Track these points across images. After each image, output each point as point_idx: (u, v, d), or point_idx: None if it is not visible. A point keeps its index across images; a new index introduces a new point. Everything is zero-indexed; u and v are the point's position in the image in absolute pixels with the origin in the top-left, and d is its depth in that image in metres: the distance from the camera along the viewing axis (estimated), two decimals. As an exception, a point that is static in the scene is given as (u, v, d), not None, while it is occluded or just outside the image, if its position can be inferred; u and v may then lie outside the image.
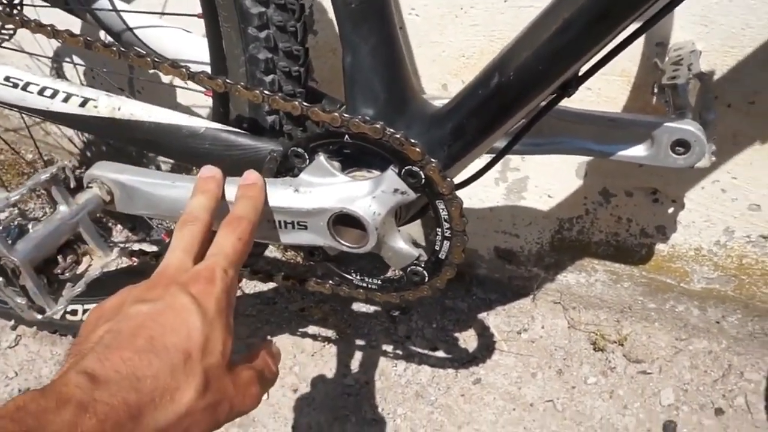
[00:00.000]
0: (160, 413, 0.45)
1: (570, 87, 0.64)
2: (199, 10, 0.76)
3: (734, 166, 0.96)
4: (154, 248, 1.29)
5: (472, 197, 1.21)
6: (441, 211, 0.68)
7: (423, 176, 0.66)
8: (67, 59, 1.30)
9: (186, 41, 0.85)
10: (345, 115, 0.64)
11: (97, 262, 0.71)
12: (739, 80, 0.88)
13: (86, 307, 1.09)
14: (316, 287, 0.81)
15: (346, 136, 0.66)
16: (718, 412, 1.15)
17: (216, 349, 0.50)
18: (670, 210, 1.06)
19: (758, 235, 1.03)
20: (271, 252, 1.44)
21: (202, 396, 0.47)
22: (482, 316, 1.34)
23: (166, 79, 1.17)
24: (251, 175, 0.65)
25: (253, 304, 1.39)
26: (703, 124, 0.86)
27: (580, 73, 0.65)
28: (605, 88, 0.96)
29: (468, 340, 1.31)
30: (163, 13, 0.92)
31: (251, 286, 1.41)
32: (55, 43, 1.33)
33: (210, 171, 0.64)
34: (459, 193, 1.22)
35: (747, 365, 1.18)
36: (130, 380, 0.44)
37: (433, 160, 0.65)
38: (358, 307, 1.36)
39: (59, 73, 1.33)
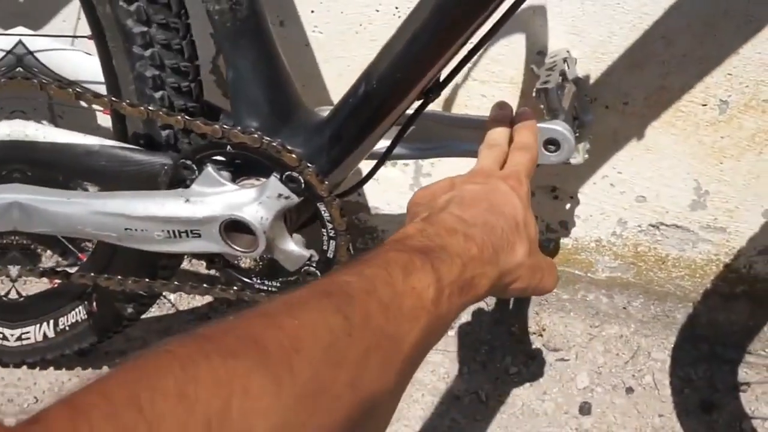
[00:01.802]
0: (506, 257, 0.57)
1: (432, 93, 0.70)
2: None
3: (618, 162, 1.03)
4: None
5: (391, 203, 1.26)
6: (323, 212, 0.74)
7: (302, 181, 0.71)
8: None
9: (86, 63, 0.88)
10: (225, 126, 0.70)
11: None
12: (611, 83, 0.95)
13: (12, 332, 1.10)
14: (221, 294, 0.85)
15: (228, 147, 0.71)
16: (629, 390, 1.21)
17: (531, 228, 0.62)
18: (568, 206, 1.13)
19: (647, 224, 1.10)
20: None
21: (528, 256, 0.59)
22: (410, 316, 1.39)
23: (84, 103, 1.21)
24: (526, 113, 0.77)
25: (188, 320, 1.42)
26: (581, 124, 0.93)
27: (441, 79, 0.71)
28: (498, 95, 1.02)
29: (396, 341, 1.36)
30: (55, 36, 0.95)
31: (185, 303, 1.44)
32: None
33: (503, 107, 0.79)
34: (375, 198, 1.28)
35: (654, 346, 1.26)
36: (486, 227, 0.56)
37: (309, 165, 0.70)
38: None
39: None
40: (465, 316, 1.38)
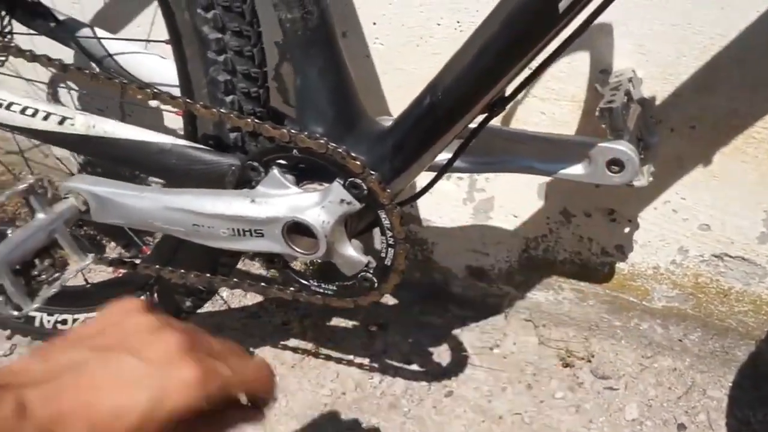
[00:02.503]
0: None
1: (496, 107, 0.71)
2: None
3: (682, 187, 1.01)
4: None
5: (443, 216, 1.27)
6: (384, 220, 0.75)
7: (365, 187, 0.72)
8: (62, 85, 1.38)
9: (161, 66, 0.92)
10: (292, 131, 0.72)
11: (73, 266, 0.78)
12: (679, 105, 0.94)
13: (75, 317, 1.15)
14: (278, 293, 0.87)
15: (294, 151, 0.73)
16: (681, 427, 1.18)
17: None
18: (627, 230, 1.11)
19: (710, 255, 1.07)
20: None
21: None
22: (457, 332, 1.39)
23: (152, 103, 1.26)
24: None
25: (239, 318, 1.45)
26: (646, 146, 0.92)
27: (506, 94, 0.71)
28: (558, 113, 1.02)
29: (442, 354, 1.36)
30: (133, 39, 0.99)
31: (237, 301, 1.48)
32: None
33: None
34: (428, 210, 1.29)
35: (710, 383, 1.22)
36: None
37: (372, 172, 0.71)
38: (338, 322, 1.42)
39: (55, 98, 1.40)
40: (511, 336, 1.37)
